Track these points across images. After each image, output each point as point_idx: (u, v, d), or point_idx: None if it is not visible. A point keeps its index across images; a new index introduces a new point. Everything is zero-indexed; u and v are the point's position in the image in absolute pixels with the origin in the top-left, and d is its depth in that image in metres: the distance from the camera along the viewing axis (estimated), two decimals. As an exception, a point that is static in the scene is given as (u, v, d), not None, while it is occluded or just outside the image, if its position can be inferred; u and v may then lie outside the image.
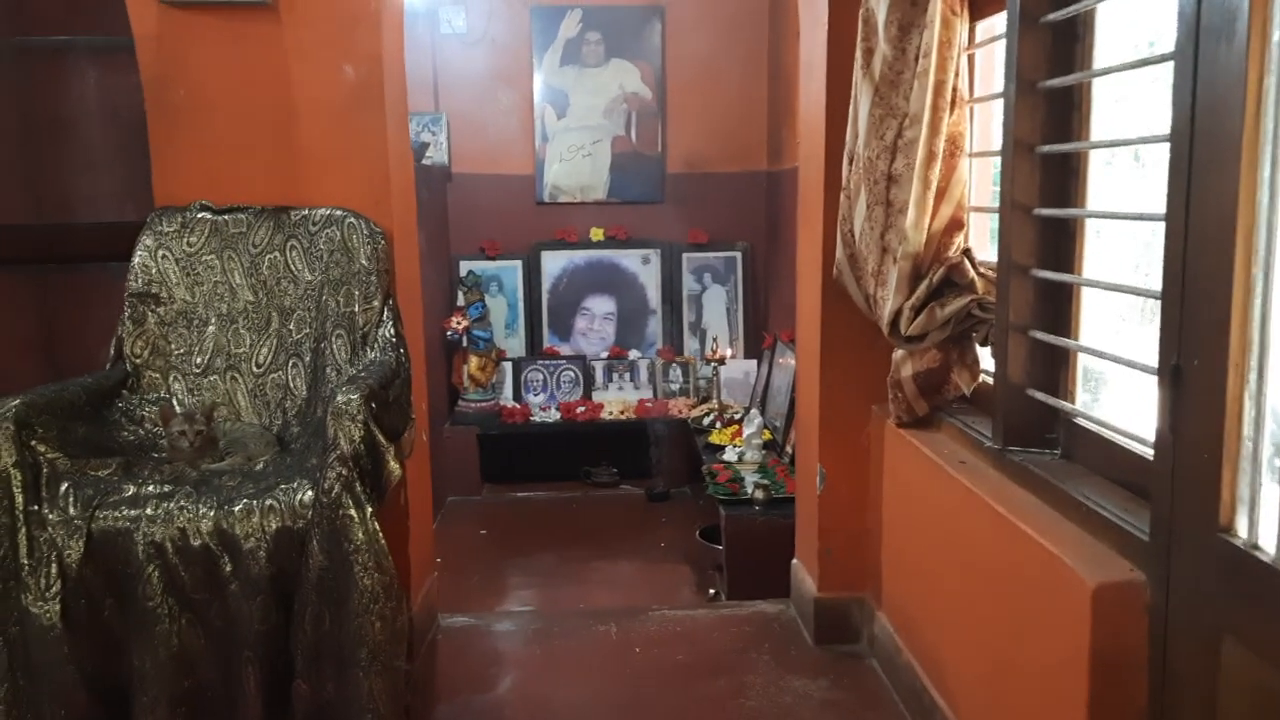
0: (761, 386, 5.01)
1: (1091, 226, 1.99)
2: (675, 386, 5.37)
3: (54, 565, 1.97)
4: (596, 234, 5.43)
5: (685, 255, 5.46)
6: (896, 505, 2.65)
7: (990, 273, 2.28)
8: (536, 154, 5.41)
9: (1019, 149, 2.02)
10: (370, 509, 2.03)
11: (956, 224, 2.34)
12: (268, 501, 2.05)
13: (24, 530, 1.98)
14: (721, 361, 5.12)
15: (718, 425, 4.81)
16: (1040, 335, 2.02)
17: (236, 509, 2.04)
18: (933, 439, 2.46)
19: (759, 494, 3.68)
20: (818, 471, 2.89)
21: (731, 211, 5.46)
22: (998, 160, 2.16)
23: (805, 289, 3.02)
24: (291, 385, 2.52)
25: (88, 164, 3.35)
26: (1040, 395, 2.03)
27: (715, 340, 5.21)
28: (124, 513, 2.04)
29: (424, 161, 4.99)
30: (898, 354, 2.53)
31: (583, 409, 5.18)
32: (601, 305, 5.47)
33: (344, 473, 2.00)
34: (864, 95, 2.43)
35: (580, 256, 5.45)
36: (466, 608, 3.34)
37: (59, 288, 3.39)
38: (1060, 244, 2.02)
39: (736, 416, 4.90)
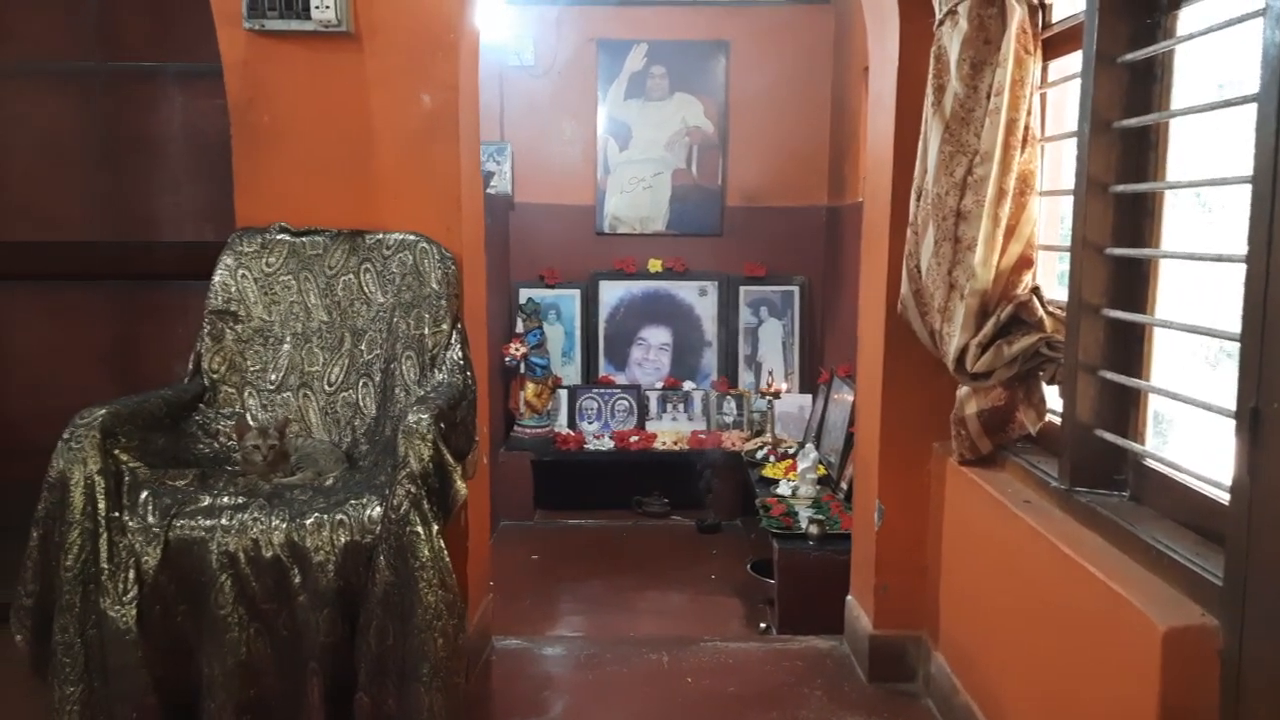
0: (816, 421, 4.99)
1: (1161, 268, 1.99)
2: (729, 419, 5.37)
3: (132, 571, 2.03)
4: (654, 265, 5.47)
5: (742, 288, 5.48)
6: (957, 543, 2.63)
7: (1059, 311, 2.28)
8: (598, 185, 5.49)
9: (1092, 188, 2.02)
10: (436, 527, 2.07)
11: (1026, 262, 2.34)
12: (338, 516, 2.10)
13: (105, 536, 2.04)
14: (776, 395, 5.13)
15: (771, 459, 4.79)
16: (1110, 375, 2.01)
17: (308, 522, 2.09)
18: (996, 478, 2.44)
19: (813, 529, 3.66)
20: (876, 507, 2.88)
21: (790, 246, 5.47)
22: (1067, 199, 2.16)
23: (867, 324, 3.02)
24: (361, 404, 2.58)
25: (171, 185, 3.47)
26: (1109, 436, 2.02)
27: (770, 374, 5.23)
28: (200, 522, 2.10)
29: (488, 190, 5.08)
30: (962, 391, 2.52)
31: (636, 438, 5.20)
32: (658, 336, 5.51)
33: (413, 490, 2.05)
34: (934, 132, 2.44)
35: (638, 287, 5.49)
36: (519, 630, 3.36)
37: (139, 303, 3.50)
38: (1133, 284, 2.02)
39: (790, 451, 4.89)
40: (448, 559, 2.08)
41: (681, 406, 5.42)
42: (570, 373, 5.48)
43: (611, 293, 5.50)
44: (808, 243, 5.47)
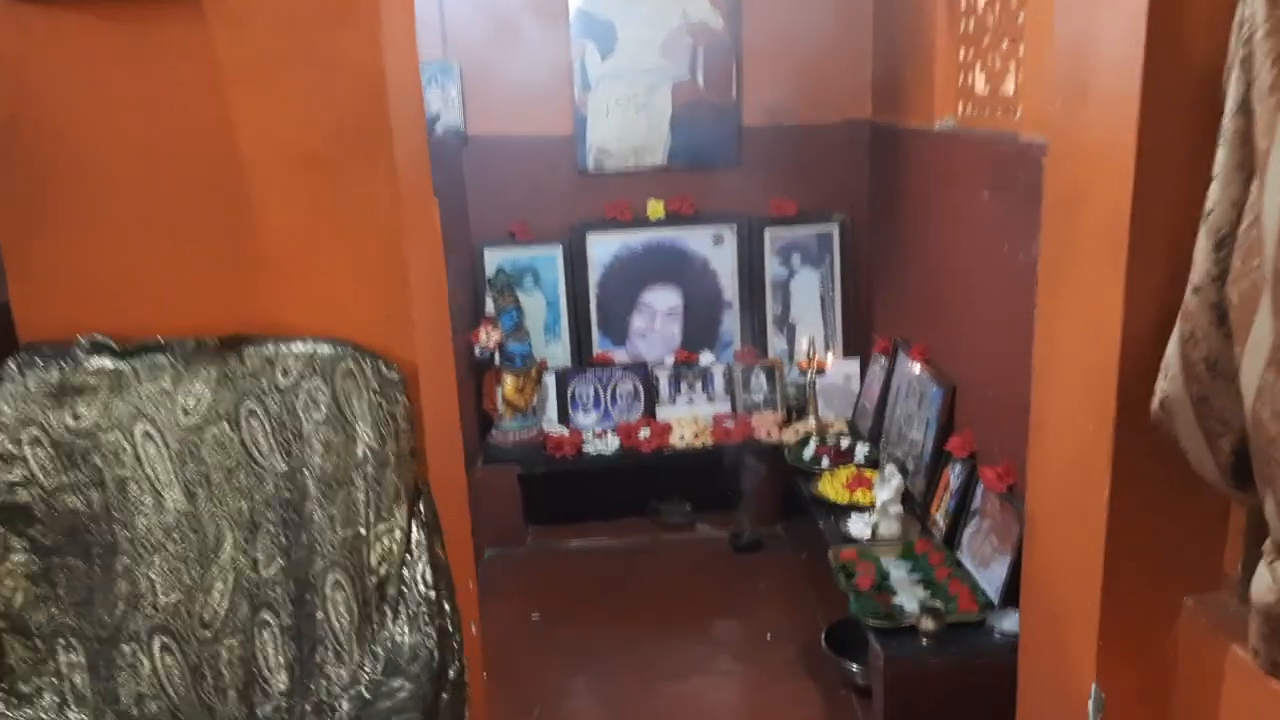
0: (873, 402, 3.98)
1: None
2: (759, 397, 4.32)
3: None
4: (655, 209, 4.29)
5: (768, 231, 4.34)
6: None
7: None
8: (576, 107, 4.25)
9: None
10: None
11: None
12: None
13: None
14: (821, 371, 4.10)
15: (824, 461, 3.79)
16: None
17: None
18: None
19: (927, 622, 2.68)
20: (1093, 695, 1.88)
21: (825, 174, 4.31)
22: None
23: (1054, 400, 1.95)
24: (261, 663, 1.50)
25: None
26: None
27: (811, 342, 4.14)
28: None
29: (433, 130, 3.86)
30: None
31: (646, 432, 4.14)
32: (664, 299, 4.38)
33: None
34: (1277, 152, 1.32)
35: (636, 238, 4.33)
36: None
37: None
38: None
39: (844, 445, 3.89)
40: None
41: (699, 385, 4.35)
42: (556, 352, 4.37)
43: (603, 248, 4.33)
44: (847, 169, 4.31)
